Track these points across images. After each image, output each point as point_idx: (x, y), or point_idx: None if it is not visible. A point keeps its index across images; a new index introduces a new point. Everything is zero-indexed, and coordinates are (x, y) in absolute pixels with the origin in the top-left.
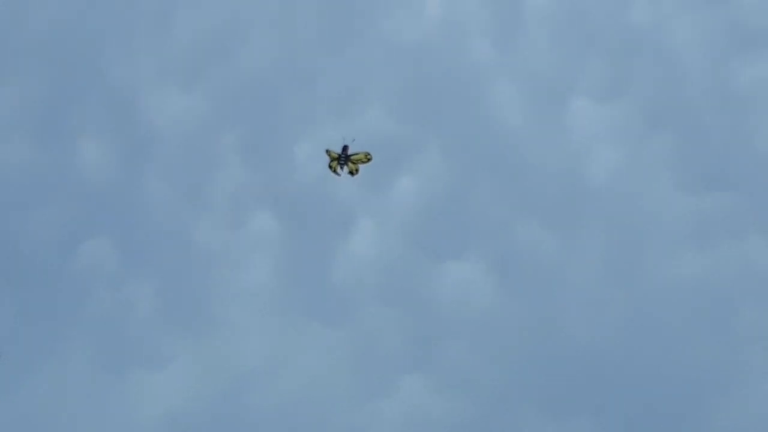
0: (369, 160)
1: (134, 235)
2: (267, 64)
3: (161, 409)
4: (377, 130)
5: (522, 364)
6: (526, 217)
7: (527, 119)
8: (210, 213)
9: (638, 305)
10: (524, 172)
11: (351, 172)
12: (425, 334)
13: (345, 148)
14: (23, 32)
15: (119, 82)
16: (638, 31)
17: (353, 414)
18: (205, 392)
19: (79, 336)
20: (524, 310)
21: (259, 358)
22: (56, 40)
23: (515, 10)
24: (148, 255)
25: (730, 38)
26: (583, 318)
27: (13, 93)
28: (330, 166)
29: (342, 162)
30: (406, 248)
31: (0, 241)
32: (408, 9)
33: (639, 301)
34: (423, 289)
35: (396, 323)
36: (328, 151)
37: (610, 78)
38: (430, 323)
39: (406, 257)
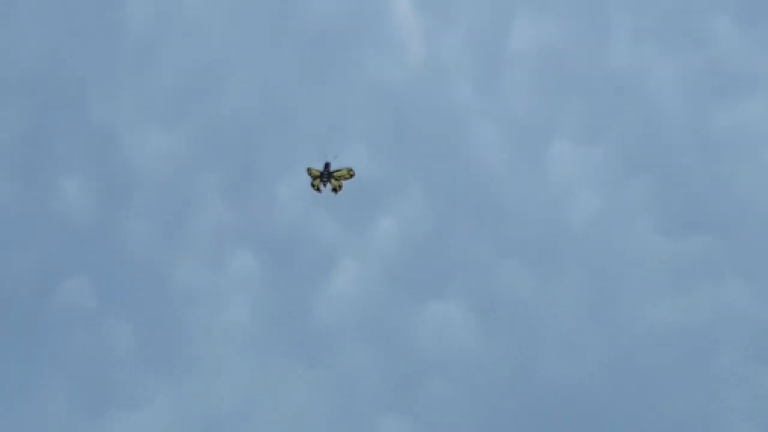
0: (352, 176)
1: (113, 273)
2: (248, 103)
3: None
4: (358, 170)
5: (502, 405)
6: (506, 258)
7: (508, 161)
8: (190, 252)
9: (617, 347)
10: (505, 214)
11: (334, 189)
12: (406, 374)
13: (327, 165)
14: (3, 68)
15: (100, 119)
16: (618, 75)
17: None
18: None
19: (56, 375)
20: (505, 351)
21: (238, 398)
22: (37, 77)
23: (496, 53)
24: (127, 294)
25: (710, 83)
26: (562, 359)
27: None
28: (312, 185)
29: (325, 179)
30: (387, 288)
31: None
32: (390, 50)
33: (618, 343)
34: (404, 329)
35: (376, 363)
36: (309, 170)
37: (590, 121)
38: (410, 363)
39: (387, 297)
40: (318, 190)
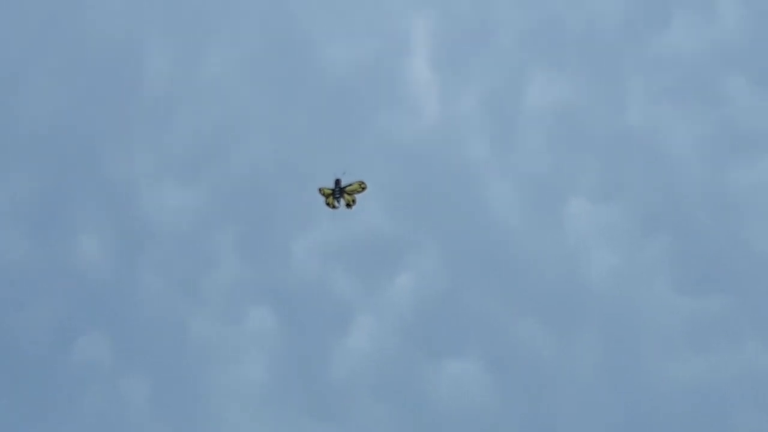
0: (363, 189)
1: (130, 330)
2: (264, 161)
3: None
4: (374, 227)
5: None
6: (523, 316)
7: (524, 219)
8: (206, 308)
9: (635, 406)
10: (521, 271)
11: (348, 204)
12: (422, 431)
13: (338, 181)
14: (20, 126)
15: (116, 176)
16: (634, 133)
17: None
18: None
19: None
20: (522, 409)
21: None
22: (54, 134)
23: (512, 111)
24: (144, 351)
25: (727, 141)
26: (580, 417)
27: (10, 187)
28: (327, 204)
29: (337, 196)
30: (403, 345)
31: None
32: (405, 108)
33: (636, 402)
34: (420, 386)
35: (392, 420)
36: (320, 189)
37: (606, 179)
38: (426, 420)
39: (403, 354)
40: (334, 207)
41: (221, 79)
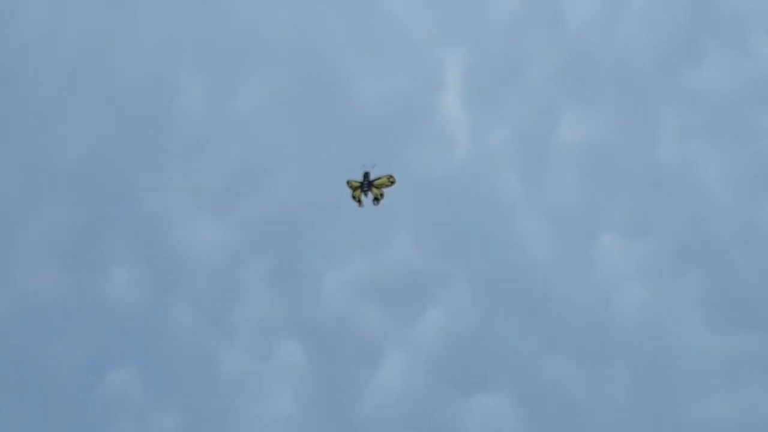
0: (393, 183)
1: (160, 364)
2: (296, 195)
3: None
4: (405, 261)
5: None
6: (553, 352)
7: (555, 254)
8: (236, 343)
9: None
10: (552, 307)
11: (376, 198)
12: None
13: (366, 174)
14: (54, 161)
15: (150, 210)
16: (665, 167)
17: None
18: None
19: None
20: None
21: None
22: (88, 169)
23: (543, 145)
24: (174, 385)
25: (760, 177)
26: None
27: (44, 220)
28: (353, 197)
29: (365, 189)
30: (432, 380)
31: (27, 369)
32: (436, 142)
33: None
34: (450, 421)
35: None
36: (348, 182)
37: (637, 214)
38: None
39: (432, 389)
40: (359, 201)
41: (254, 113)
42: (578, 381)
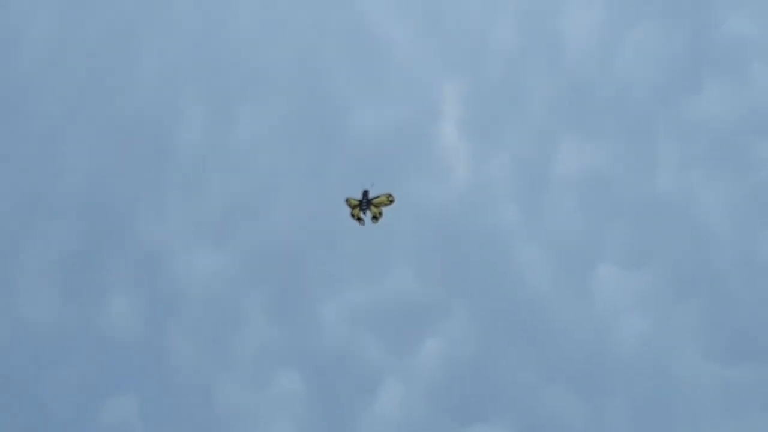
0: (392, 201)
1: (158, 393)
2: (295, 225)
3: None
4: (403, 291)
5: None
6: (552, 382)
7: (554, 284)
8: (234, 372)
9: None
10: (551, 337)
11: (375, 216)
12: None
13: (365, 192)
14: (55, 188)
15: (149, 239)
16: (665, 198)
17: None
18: None
19: None
20: None
21: None
22: (88, 197)
23: (542, 175)
24: (172, 413)
25: (759, 207)
26: None
27: (43, 248)
28: (352, 215)
29: (364, 207)
30: (431, 411)
31: (25, 396)
32: (435, 172)
33: None
34: None
35: None
36: (347, 200)
37: (637, 245)
38: None
39: (431, 420)
40: (359, 219)
41: (254, 143)
42: (577, 411)
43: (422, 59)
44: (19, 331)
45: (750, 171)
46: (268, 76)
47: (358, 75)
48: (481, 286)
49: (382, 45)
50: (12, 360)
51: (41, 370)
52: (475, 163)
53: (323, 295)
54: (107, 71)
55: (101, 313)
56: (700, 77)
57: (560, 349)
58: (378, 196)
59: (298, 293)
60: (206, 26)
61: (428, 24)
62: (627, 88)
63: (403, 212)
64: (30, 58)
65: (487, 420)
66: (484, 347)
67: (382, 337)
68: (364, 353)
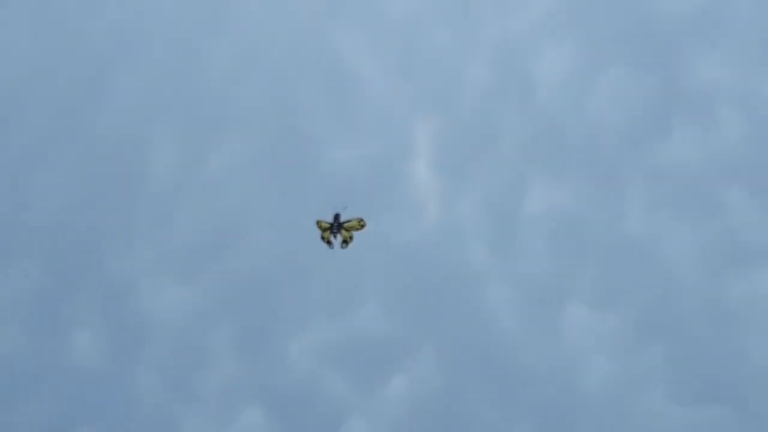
0: (363, 226)
1: (123, 427)
2: (264, 260)
3: None
4: (371, 329)
5: None
6: (518, 422)
7: (521, 324)
8: (200, 407)
9: None
10: (518, 377)
11: (345, 241)
12: None
13: (337, 216)
14: (22, 220)
15: (116, 272)
16: (633, 241)
17: None
18: None
19: None
20: None
21: None
22: (56, 229)
23: (512, 215)
24: None
25: (726, 252)
26: None
27: (9, 280)
28: (322, 237)
29: (335, 231)
30: None
31: None
32: (406, 209)
33: None
34: None
35: None
36: (318, 222)
37: (604, 286)
38: None
39: None
40: (329, 242)
41: (224, 177)
42: None
43: (395, 97)
44: None
45: (717, 216)
46: (242, 110)
47: (331, 111)
48: (449, 324)
49: (356, 81)
50: None
51: (5, 404)
52: (446, 202)
53: (290, 330)
54: (78, 102)
55: (66, 346)
56: (669, 122)
57: (527, 389)
58: (349, 220)
59: (265, 329)
60: (180, 59)
61: (402, 62)
62: (597, 131)
63: (373, 248)
64: (0, 90)
65: None
66: (451, 385)
67: (348, 374)
68: (329, 390)
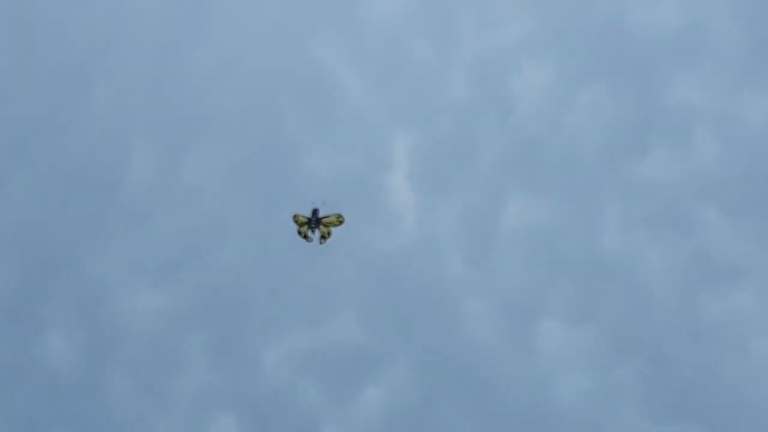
0: (341, 222)
1: (95, 431)
2: (240, 268)
3: None
4: (346, 339)
5: None
6: None
7: (497, 338)
8: (173, 413)
9: None
10: (492, 390)
11: (323, 236)
12: None
13: (315, 211)
14: None
15: (91, 277)
16: (608, 258)
17: None
18: None
19: None
20: None
21: None
22: (31, 234)
23: (489, 229)
24: None
25: (699, 272)
26: None
27: None
28: (299, 232)
29: (313, 226)
30: None
31: None
32: (384, 222)
33: None
34: None
35: None
36: (295, 216)
37: (579, 302)
38: None
39: None
40: (306, 237)
41: (201, 184)
42: None
43: (375, 108)
44: None
45: (692, 235)
46: (221, 117)
47: (310, 121)
48: (424, 337)
49: (336, 92)
50: None
51: None
52: (423, 214)
53: (265, 338)
54: (56, 106)
55: (39, 349)
56: (646, 141)
57: (501, 402)
58: (328, 216)
59: (240, 336)
60: (160, 64)
61: (382, 74)
62: (575, 148)
63: (350, 260)
64: None
65: None
66: (425, 397)
67: (323, 383)
68: (303, 399)
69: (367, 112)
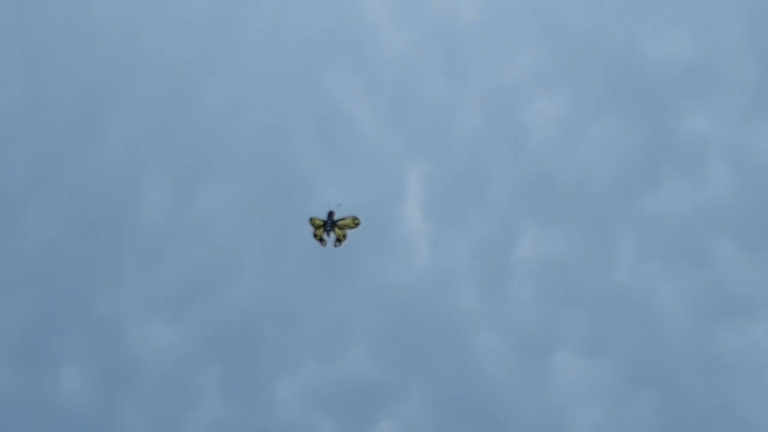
0: (357, 225)
1: None
2: (253, 302)
3: None
4: (360, 372)
5: None
6: None
7: (510, 370)
8: None
9: None
10: (506, 423)
11: (338, 239)
12: None
13: (330, 213)
14: (14, 258)
15: (105, 312)
16: (622, 290)
17: None
18: None
19: None
20: None
21: None
22: (46, 268)
23: (502, 261)
24: None
25: (714, 304)
26: None
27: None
28: (315, 235)
29: (328, 229)
30: None
31: None
32: (397, 255)
33: None
34: None
35: None
36: (311, 219)
37: (593, 335)
38: None
39: None
40: (321, 240)
41: (215, 218)
42: None
43: (388, 141)
44: None
45: (706, 267)
46: (234, 151)
47: (323, 153)
48: (438, 370)
49: (349, 125)
50: None
51: None
52: (436, 247)
53: (279, 372)
54: (71, 141)
55: (53, 384)
56: (659, 172)
57: None
58: (343, 218)
59: (254, 370)
60: (174, 99)
61: (396, 107)
62: (588, 180)
63: (364, 292)
64: None
65: None
66: (439, 430)
67: (336, 418)
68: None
69: (380, 145)
